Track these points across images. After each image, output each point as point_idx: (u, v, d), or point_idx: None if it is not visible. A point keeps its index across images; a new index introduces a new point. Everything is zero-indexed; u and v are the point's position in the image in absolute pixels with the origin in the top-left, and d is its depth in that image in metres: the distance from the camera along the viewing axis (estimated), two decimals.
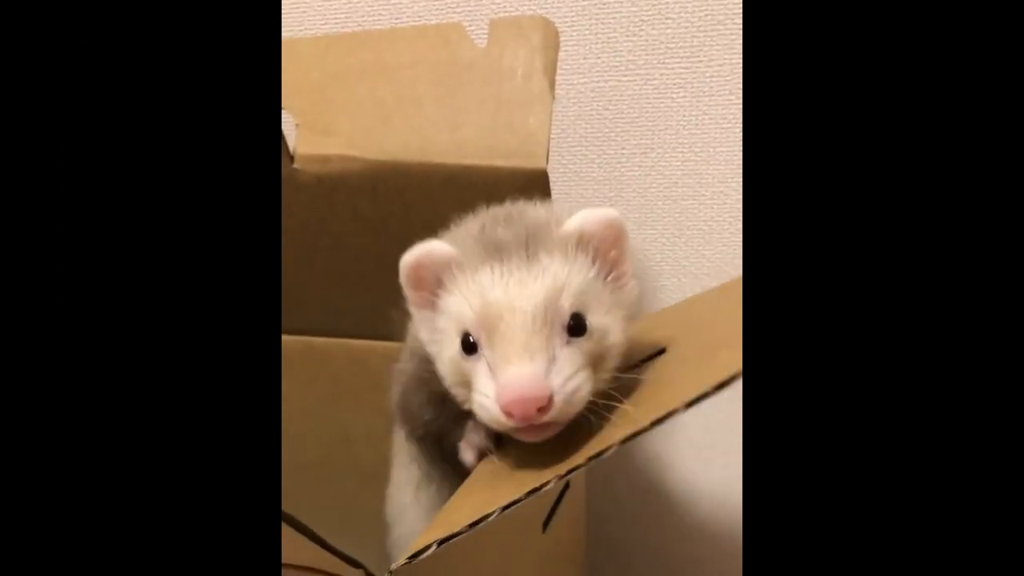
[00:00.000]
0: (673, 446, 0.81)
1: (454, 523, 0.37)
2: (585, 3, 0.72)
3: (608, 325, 0.44)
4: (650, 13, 0.71)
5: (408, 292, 0.48)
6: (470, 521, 0.36)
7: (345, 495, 0.75)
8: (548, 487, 0.37)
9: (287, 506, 0.33)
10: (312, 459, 0.76)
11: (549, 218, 0.47)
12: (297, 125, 0.65)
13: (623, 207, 0.76)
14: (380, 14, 0.77)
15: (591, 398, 0.42)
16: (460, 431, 0.48)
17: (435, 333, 0.46)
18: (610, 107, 0.75)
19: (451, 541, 0.36)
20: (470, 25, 0.62)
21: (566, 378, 0.41)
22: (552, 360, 0.41)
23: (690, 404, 0.36)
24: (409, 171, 0.61)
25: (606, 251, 0.45)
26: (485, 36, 0.60)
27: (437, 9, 0.76)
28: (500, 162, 0.58)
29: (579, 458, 0.39)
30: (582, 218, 0.45)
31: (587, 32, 0.73)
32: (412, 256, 0.47)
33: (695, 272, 0.75)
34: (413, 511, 0.56)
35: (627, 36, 0.72)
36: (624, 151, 0.76)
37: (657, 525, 0.83)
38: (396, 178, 0.62)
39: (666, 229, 0.76)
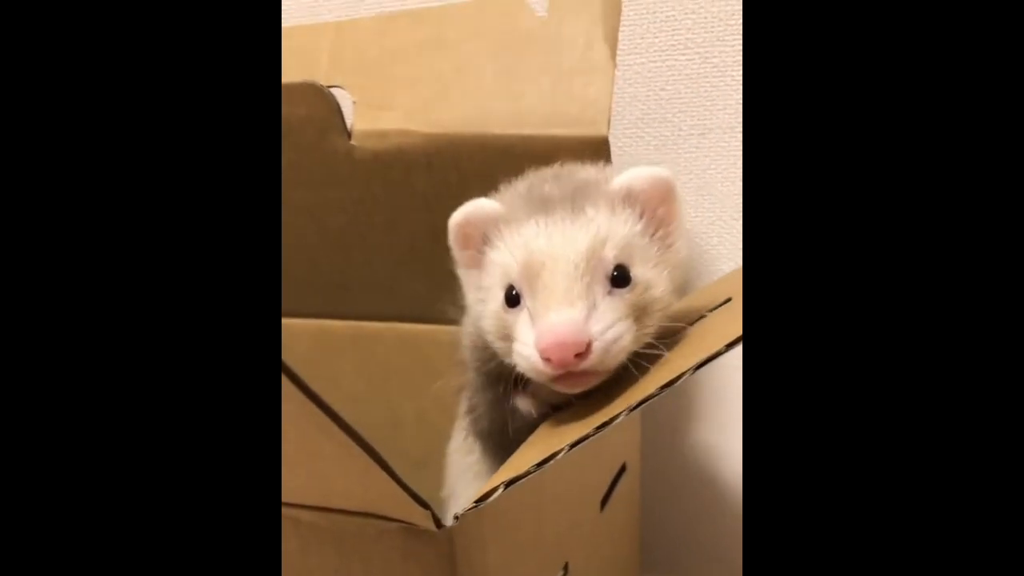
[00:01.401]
0: (726, 437, 0.79)
1: (520, 466, 0.35)
2: None
3: (653, 278, 0.44)
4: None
5: (456, 252, 0.48)
6: (538, 461, 0.35)
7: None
8: (619, 419, 0.36)
9: None
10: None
11: (599, 176, 0.47)
12: (354, 102, 0.65)
13: (681, 186, 0.74)
14: None
15: (633, 349, 0.41)
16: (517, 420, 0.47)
17: (480, 291, 0.47)
18: (667, 87, 0.74)
19: (519, 482, 0.34)
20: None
21: (606, 326, 0.40)
22: (593, 308, 0.41)
23: (731, 344, 0.35)
24: (466, 143, 0.61)
25: (654, 208, 0.46)
26: (545, 7, 0.60)
27: None
28: (560, 131, 0.57)
29: (638, 394, 0.38)
30: (630, 175, 0.46)
31: (644, 11, 0.72)
32: (460, 213, 0.47)
33: None
34: (473, 475, 0.55)
35: (685, 14, 0.71)
36: (681, 132, 0.74)
37: (708, 514, 0.80)
38: (452, 151, 0.62)
39: (724, 211, 0.74)
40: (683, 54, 0.72)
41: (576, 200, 0.44)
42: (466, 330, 0.52)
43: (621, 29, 0.65)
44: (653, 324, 0.43)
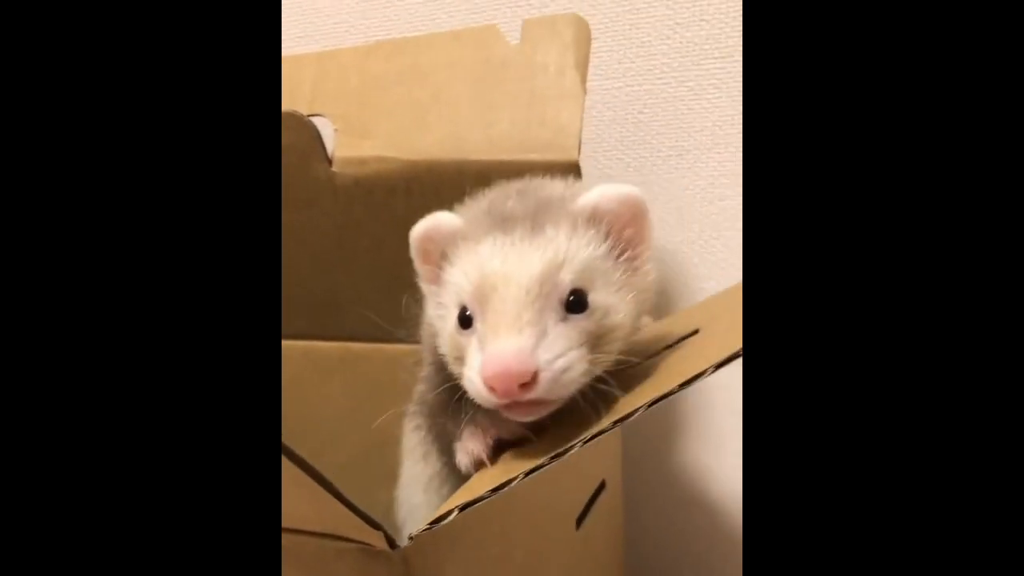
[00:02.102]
0: (717, 457, 0.80)
1: (477, 489, 0.36)
2: (619, 8, 0.73)
3: (613, 304, 0.42)
4: (684, 16, 0.72)
5: (417, 266, 0.47)
6: (493, 486, 0.36)
7: (382, 497, 0.75)
8: (573, 451, 0.37)
9: None
10: (348, 460, 0.76)
11: (565, 192, 0.46)
12: (336, 130, 0.66)
13: (659, 208, 0.76)
14: (419, 28, 0.80)
15: (587, 380, 0.40)
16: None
17: (439, 308, 0.45)
18: (645, 110, 0.75)
19: (473, 507, 0.35)
20: (504, 27, 0.64)
21: (555, 355, 0.39)
22: (543, 335, 0.39)
23: (684, 384, 0.36)
24: (444, 169, 0.62)
25: (621, 229, 0.44)
26: (518, 36, 0.61)
27: (472, 14, 0.77)
28: (533, 156, 0.59)
29: (589, 432, 0.38)
30: (598, 193, 0.44)
31: (621, 37, 0.74)
32: (420, 227, 0.46)
33: (734, 273, 0.74)
34: (424, 511, 0.52)
35: (661, 39, 0.73)
36: (660, 153, 0.76)
37: (699, 535, 0.81)
38: (431, 176, 0.63)
39: (703, 230, 0.75)
40: (659, 78, 0.74)
41: (537, 218, 0.42)
42: (426, 344, 0.51)
43: (599, 55, 0.67)
44: (612, 351, 0.42)
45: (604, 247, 0.43)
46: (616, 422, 0.37)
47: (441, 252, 0.45)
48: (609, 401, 0.40)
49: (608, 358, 0.42)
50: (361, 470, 0.78)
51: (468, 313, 0.42)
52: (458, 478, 0.48)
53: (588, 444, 0.37)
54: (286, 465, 0.32)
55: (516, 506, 0.48)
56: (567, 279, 0.41)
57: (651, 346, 0.48)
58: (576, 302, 0.41)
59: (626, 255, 0.44)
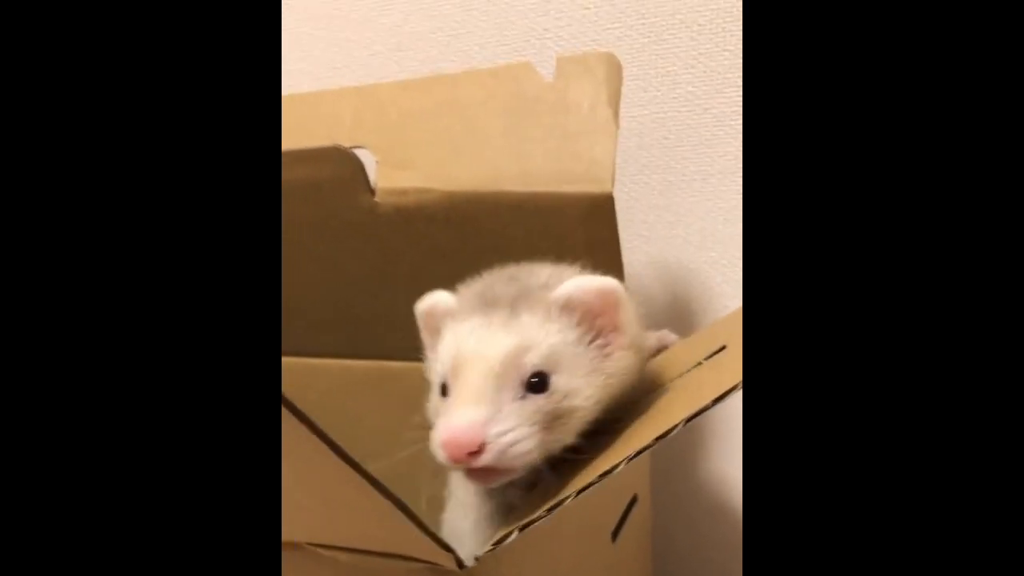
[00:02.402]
0: (736, 466, 0.82)
1: (532, 513, 0.39)
2: (646, 40, 0.76)
3: (575, 388, 0.45)
4: (707, 47, 0.75)
5: (421, 332, 0.53)
6: (547, 507, 0.39)
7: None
8: (619, 468, 0.39)
9: None
10: (383, 478, 0.79)
11: (549, 280, 0.50)
12: (377, 162, 0.70)
13: (684, 230, 0.79)
14: (451, 59, 0.83)
15: (540, 453, 0.44)
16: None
17: (431, 375, 0.50)
18: (670, 136, 0.78)
19: (532, 526, 0.38)
20: (538, 63, 0.67)
21: (505, 429, 0.43)
22: (497, 411, 0.43)
23: (718, 399, 0.39)
24: (481, 200, 0.65)
25: (593, 318, 0.47)
26: (552, 73, 0.64)
27: (505, 52, 0.81)
28: (567, 188, 0.62)
29: (636, 443, 0.41)
30: (573, 285, 0.48)
31: (648, 66, 0.77)
32: (422, 304, 0.52)
33: None
34: (469, 539, 0.54)
35: (686, 68, 0.76)
36: (684, 178, 0.79)
37: (724, 544, 0.84)
38: (469, 207, 0.66)
39: (726, 251, 0.78)
40: (684, 106, 0.77)
41: (516, 304, 0.47)
42: None
43: (626, 84, 0.70)
44: (570, 430, 0.46)
45: (575, 334, 0.47)
46: (657, 438, 0.40)
47: (436, 327, 0.50)
48: (577, 470, 0.44)
49: (565, 437, 0.46)
50: (393, 484, 0.82)
51: (445, 384, 0.47)
52: (505, 511, 0.51)
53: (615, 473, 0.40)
54: (359, 489, 0.35)
55: (562, 523, 0.51)
56: (531, 362, 0.45)
57: (656, 379, 0.52)
58: (538, 383, 0.45)
59: (597, 342, 0.47)
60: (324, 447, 0.32)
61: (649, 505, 0.74)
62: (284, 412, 0.31)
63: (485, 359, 0.45)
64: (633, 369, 0.49)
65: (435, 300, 0.51)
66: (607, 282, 0.48)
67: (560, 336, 0.46)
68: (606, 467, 0.41)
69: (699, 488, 0.84)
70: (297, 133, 0.73)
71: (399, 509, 0.35)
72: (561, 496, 0.39)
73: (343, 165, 0.68)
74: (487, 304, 0.48)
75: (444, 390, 0.47)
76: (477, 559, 0.39)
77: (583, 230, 0.62)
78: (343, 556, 0.42)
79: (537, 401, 0.45)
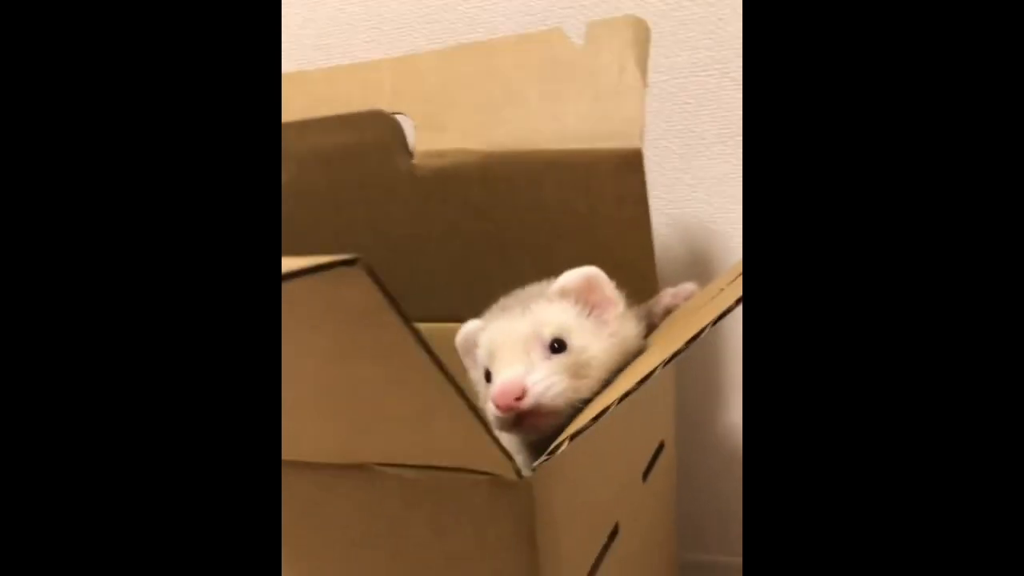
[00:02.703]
0: None
1: (579, 423, 0.43)
2: (666, 7, 0.80)
3: (588, 344, 0.56)
4: (726, 12, 0.78)
5: (463, 361, 0.62)
6: (593, 416, 0.43)
7: None
8: (656, 372, 0.43)
9: None
10: None
11: (546, 287, 0.60)
12: (416, 126, 0.73)
13: (704, 191, 0.83)
14: (478, 30, 0.86)
15: (573, 396, 0.53)
16: None
17: (476, 383, 0.60)
18: (691, 101, 0.82)
19: (580, 435, 0.42)
20: (567, 31, 0.70)
21: (540, 377, 0.52)
22: (531, 367, 0.53)
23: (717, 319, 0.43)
24: (516, 159, 0.69)
25: (585, 296, 0.58)
26: (582, 38, 0.68)
27: (530, 22, 0.84)
28: (600, 144, 0.65)
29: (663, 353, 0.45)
30: (563, 277, 0.59)
31: (668, 33, 0.80)
32: (460, 334, 0.62)
33: None
34: None
35: (705, 34, 0.79)
36: (704, 140, 0.82)
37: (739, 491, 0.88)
38: (504, 166, 0.70)
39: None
40: (704, 71, 0.80)
41: (525, 303, 0.58)
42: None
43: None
44: (593, 377, 0.55)
45: (575, 310, 0.58)
46: (688, 342, 0.44)
47: (472, 344, 0.60)
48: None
49: (591, 383, 0.55)
50: None
51: (488, 371, 0.57)
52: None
53: (652, 403, 0.44)
54: (448, 400, 0.38)
55: (602, 454, 0.55)
56: (547, 332, 0.55)
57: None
58: (559, 346, 0.55)
59: (594, 314, 0.58)
60: (410, 338, 0.36)
61: (674, 451, 0.78)
62: (379, 306, 0.34)
63: (512, 337, 0.55)
64: (631, 329, 0.59)
65: (467, 328, 0.61)
66: (588, 270, 0.59)
67: (564, 312, 0.57)
68: (644, 373, 0.45)
69: (721, 438, 0.88)
70: (338, 103, 0.77)
71: (470, 410, 0.39)
72: (605, 404, 0.43)
73: (383, 129, 0.72)
74: (504, 310, 0.60)
75: (488, 376, 0.56)
76: (533, 469, 0.43)
77: (613, 184, 0.66)
78: (408, 473, 0.46)
79: (561, 358, 0.54)
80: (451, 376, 0.38)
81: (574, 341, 0.55)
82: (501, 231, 0.74)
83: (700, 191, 0.84)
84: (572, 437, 0.43)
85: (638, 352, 0.59)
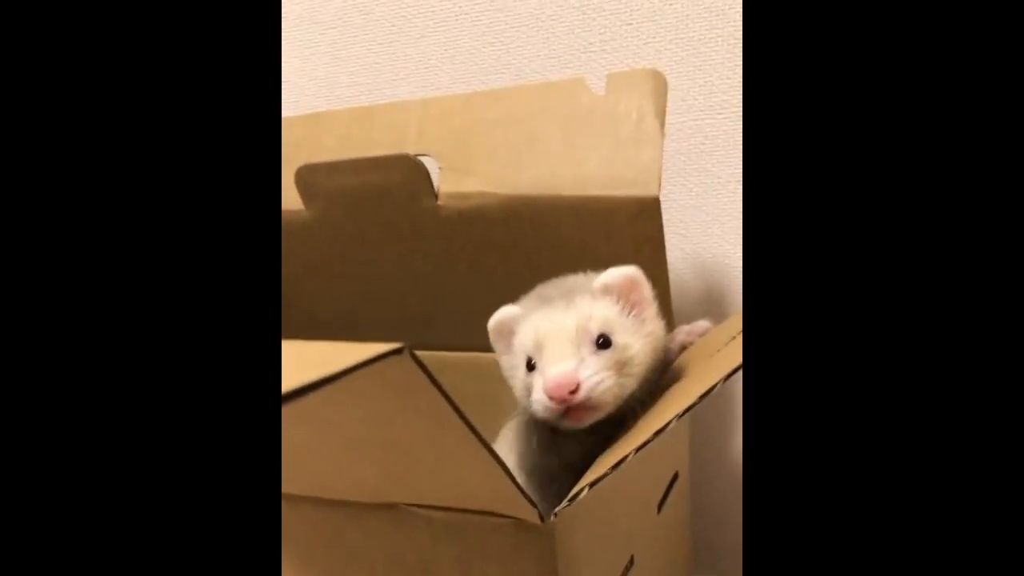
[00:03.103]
0: None
1: (598, 472, 0.46)
2: (684, 53, 0.82)
3: (631, 342, 0.58)
4: (741, 59, 0.80)
5: (494, 344, 0.63)
6: (612, 464, 0.45)
7: None
8: (671, 425, 0.46)
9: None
10: None
11: (587, 280, 0.62)
12: (440, 168, 0.76)
13: (719, 228, 0.85)
14: (502, 72, 0.90)
15: (618, 392, 0.55)
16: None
17: (511, 369, 0.62)
18: (706, 142, 0.84)
19: (599, 483, 0.45)
20: (584, 75, 0.73)
21: (592, 372, 0.54)
22: (582, 362, 0.55)
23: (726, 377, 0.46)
24: (538, 203, 0.72)
25: (627, 296, 0.60)
26: (603, 87, 0.71)
27: (553, 64, 0.87)
28: (619, 192, 0.68)
29: (681, 405, 0.48)
30: (607, 274, 0.60)
31: (685, 77, 0.83)
32: (494, 318, 0.63)
33: None
34: None
35: (721, 79, 0.82)
36: (719, 180, 0.85)
37: None
38: (526, 210, 0.73)
39: None
40: (720, 113, 0.83)
41: (568, 295, 0.59)
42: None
43: None
44: (635, 374, 0.57)
45: (617, 308, 0.59)
46: (701, 396, 0.47)
47: (509, 330, 0.61)
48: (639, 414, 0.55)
49: (632, 381, 0.57)
50: None
51: (532, 361, 0.58)
52: (548, 480, 0.60)
53: (666, 437, 0.46)
54: (470, 447, 0.41)
55: (618, 494, 0.57)
56: (594, 327, 0.57)
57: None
58: (604, 342, 0.57)
59: (634, 312, 0.60)
60: (447, 407, 0.39)
61: (688, 481, 0.81)
62: (422, 384, 0.37)
63: (561, 330, 0.57)
64: (663, 330, 0.62)
65: (504, 312, 0.62)
66: (629, 268, 0.61)
67: (608, 309, 0.58)
68: (658, 427, 0.47)
69: (732, 463, 0.90)
70: (365, 143, 0.80)
71: (498, 465, 0.42)
72: (623, 455, 0.46)
73: (409, 172, 0.75)
74: (546, 301, 0.60)
75: (530, 365, 0.58)
76: (555, 514, 0.46)
77: (631, 230, 0.69)
78: (436, 514, 0.49)
79: (607, 354, 0.56)
80: (482, 437, 0.40)
81: (618, 338, 0.57)
82: (522, 269, 0.77)
83: (715, 228, 0.86)
84: (592, 484, 0.45)
85: (666, 354, 0.63)
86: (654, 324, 0.61)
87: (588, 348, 0.56)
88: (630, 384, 0.57)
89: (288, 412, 0.37)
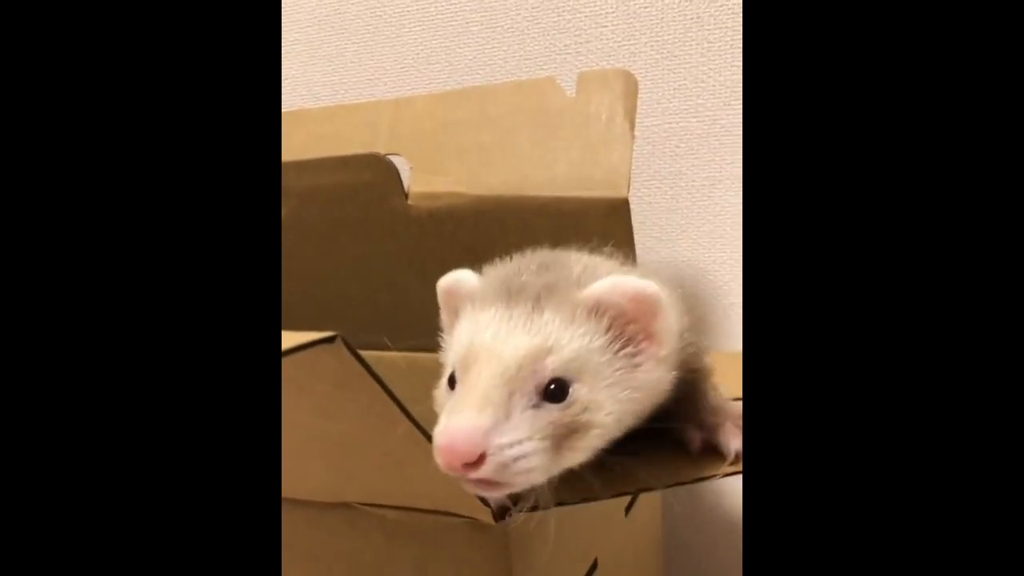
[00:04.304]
0: None
1: (564, 496, 0.45)
2: (659, 56, 0.82)
3: (596, 401, 0.41)
4: (716, 62, 0.80)
5: (443, 315, 0.49)
6: (581, 497, 0.44)
7: None
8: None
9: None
10: None
11: (581, 275, 0.45)
12: (411, 168, 0.76)
13: (694, 232, 0.85)
14: (477, 73, 0.89)
15: (551, 470, 0.40)
16: None
17: (445, 349, 0.47)
18: (681, 145, 0.84)
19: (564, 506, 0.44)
20: (558, 77, 0.73)
21: (510, 441, 0.38)
22: (504, 419, 0.38)
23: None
24: (508, 204, 0.71)
25: (624, 323, 0.42)
26: (574, 88, 0.70)
27: (528, 66, 0.87)
28: (588, 193, 0.68)
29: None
30: (606, 286, 0.43)
31: (660, 80, 0.83)
32: (444, 281, 0.48)
33: None
34: None
35: (696, 82, 0.82)
36: (694, 183, 0.84)
37: (727, 526, 0.89)
38: (497, 210, 0.72)
39: (734, 253, 0.84)
40: (695, 116, 0.83)
41: (541, 299, 0.42)
42: None
43: (639, 96, 0.75)
44: (587, 447, 0.41)
45: (602, 340, 0.42)
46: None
47: (456, 307, 0.47)
48: (615, 474, 0.43)
49: (576, 456, 0.41)
50: None
51: (454, 376, 0.43)
52: None
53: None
54: (420, 446, 0.40)
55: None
56: (550, 366, 0.40)
57: None
58: (556, 391, 0.40)
59: (627, 350, 0.42)
60: (393, 407, 0.38)
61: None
62: (358, 374, 0.36)
63: (500, 359, 0.40)
64: (662, 384, 0.44)
65: (457, 279, 0.47)
66: (645, 286, 0.42)
67: (585, 340, 0.41)
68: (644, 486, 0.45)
69: (714, 500, 0.90)
70: (337, 141, 0.79)
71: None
72: (594, 493, 0.44)
73: (379, 171, 0.74)
74: (511, 293, 0.43)
75: (452, 382, 0.43)
76: (509, 516, 0.45)
77: (602, 231, 0.68)
78: (391, 513, 0.48)
79: (552, 412, 0.40)
80: (427, 432, 0.40)
81: (580, 392, 0.40)
82: None
83: (689, 231, 0.86)
84: (556, 504, 0.44)
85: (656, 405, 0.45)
86: (653, 375, 0.43)
87: (526, 397, 0.40)
88: (574, 458, 0.41)
89: None
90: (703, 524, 0.90)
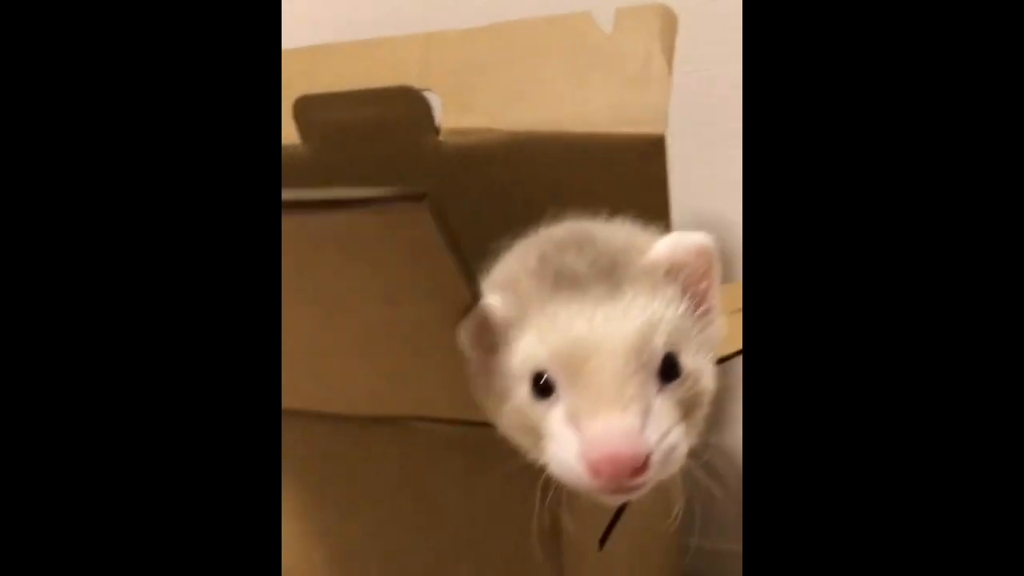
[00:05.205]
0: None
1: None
2: (696, 1, 0.80)
3: (701, 367, 0.39)
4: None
5: (472, 354, 0.42)
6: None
7: None
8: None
9: None
10: None
11: (629, 243, 0.42)
12: (442, 103, 0.74)
13: (725, 183, 0.83)
14: (511, 9, 0.87)
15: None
16: None
17: (491, 391, 0.41)
18: (715, 94, 0.82)
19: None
20: (596, 14, 0.71)
21: (663, 433, 0.36)
22: (648, 411, 0.36)
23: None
24: (541, 140, 0.70)
25: (696, 283, 0.41)
26: (610, 24, 0.69)
27: (561, 3, 0.85)
28: (625, 128, 0.66)
29: None
30: (672, 245, 0.41)
31: (696, 27, 0.80)
32: (468, 322, 0.41)
33: None
34: None
35: (734, 30, 0.80)
36: (725, 134, 0.83)
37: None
38: (529, 147, 0.71)
39: None
40: (731, 65, 0.81)
41: (612, 276, 0.39)
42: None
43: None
44: (700, 420, 0.40)
45: (682, 306, 0.40)
46: None
47: (493, 340, 0.41)
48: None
49: (698, 428, 0.40)
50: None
51: (544, 381, 0.38)
52: None
53: None
54: None
55: None
56: (660, 345, 0.38)
57: None
58: (670, 368, 0.38)
59: (700, 310, 0.41)
60: (462, 283, 0.37)
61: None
62: (437, 247, 0.34)
63: (613, 348, 0.36)
64: (723, 337, 0.43)
65: (486, 311, 0.41)
66: (702, 238, 0.42)
67: (673, 307, 0.39)
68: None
69: (722, 426, 0.89)
70: (366, 78, 0.78)
71: None
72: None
73: (410, 105, 0.73)
74: (571, 280, 0.39)
75: (542, 387, 0.38)
76: None
77: (637, 170, 0.67)
78: (439, 427, 0.48)
79: (676, 390, 0.38)
80: None
81: (687, 362, 0.38)
82: (522, 211, 0.75)
83: (720, 185, 0.84)
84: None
85: None
86: (722, 330, 0.42)
87: (653, 383, 0.37)
88: (694, 434, 0.39)
89: (303, 282, 0.36)
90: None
